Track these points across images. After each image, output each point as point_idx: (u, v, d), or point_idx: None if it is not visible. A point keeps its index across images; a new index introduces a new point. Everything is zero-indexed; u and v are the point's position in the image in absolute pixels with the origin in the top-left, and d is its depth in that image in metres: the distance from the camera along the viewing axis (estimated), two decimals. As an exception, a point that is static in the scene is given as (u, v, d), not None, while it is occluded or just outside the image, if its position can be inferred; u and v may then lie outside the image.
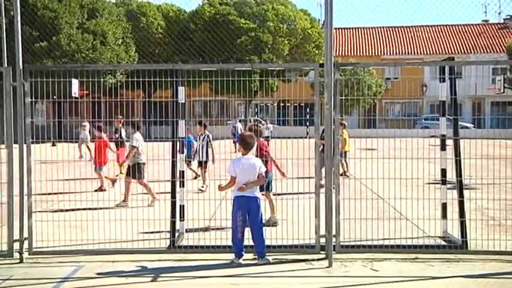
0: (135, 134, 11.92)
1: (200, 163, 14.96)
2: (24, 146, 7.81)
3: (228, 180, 7.64)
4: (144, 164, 11.93)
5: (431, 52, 51.62)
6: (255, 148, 8.31)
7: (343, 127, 17.94)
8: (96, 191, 13.61)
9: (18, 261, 7.56)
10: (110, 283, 6.79)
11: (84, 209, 10.45)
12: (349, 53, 52.38)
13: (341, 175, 16.72)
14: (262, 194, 8.36)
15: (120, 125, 16.76)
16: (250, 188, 7.48)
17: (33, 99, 8.04)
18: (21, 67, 7.77)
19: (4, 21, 9.61)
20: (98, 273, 7.05)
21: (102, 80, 26.43)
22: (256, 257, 7.57)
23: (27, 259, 7.60)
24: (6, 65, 7.99)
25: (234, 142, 25.48)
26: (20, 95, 7.76)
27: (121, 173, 16.29)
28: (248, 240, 7.64)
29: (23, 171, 7.78)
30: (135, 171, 11.53)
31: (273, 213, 9.88)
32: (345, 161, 17.28)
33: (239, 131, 26.52)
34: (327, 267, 7.29)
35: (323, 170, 8.12)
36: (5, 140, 7.86)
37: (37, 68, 9.31)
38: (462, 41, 54.68)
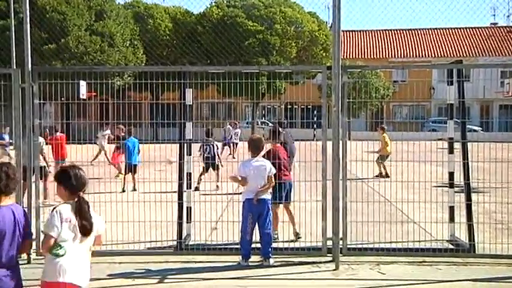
0: None
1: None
2: (32, 147, 7.85)
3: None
4: None
5: (440, 55, 51.44)
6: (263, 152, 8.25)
7: (383, 131, 17.99)
8: None
9: (26, 262, 7.59)
10: (117, 284, 6.81)
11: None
12: (357, 56, 52.26)
13: (383, 176, 16.69)
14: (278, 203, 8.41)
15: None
16: (263, 193, 7.52)
17: (42, 101, 8.09)
18: (30, 69, 7.82)
19: (13, 23, 9.59)
20: (104, 275, 7.07)
21: (109, 81, 26.50)
22: (262, 259, 7.58)
23: (35, 260, 7.63)
24: (15, 67, 8.01)
25: (225, 144, 25.17)
26: (29, 97, 7.80)
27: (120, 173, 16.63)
28: (255, 242, 7.65)
29: (31, 172, 7.82)
30: None
31: (293, 224, 9.16)
32: (383, 164, 17.33)
33: (233, 135, 26.18)
34: (334, 269, 7.28)
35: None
36: (14, 141, 7.90)
37: (46, 69, 9.37)
38: (470, 44, 54.43)
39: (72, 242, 4.10)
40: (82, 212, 4.12)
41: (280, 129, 9.26)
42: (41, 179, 11.93)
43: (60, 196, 4.28)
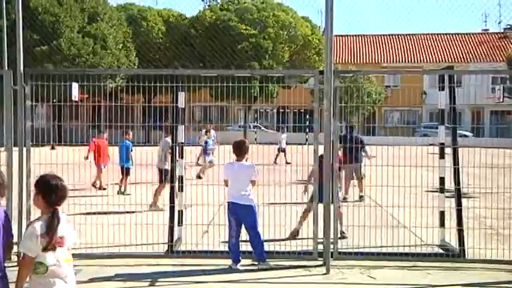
0: None
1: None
2: (24, 149, 7.83)
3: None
4: None
5: (431, 60, 51.67)
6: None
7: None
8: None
9: (16, 264, 7.55)
10: (108, 287, 6.80)
11: (82, 213, 10.46)
12: (349, 60, 52.41)
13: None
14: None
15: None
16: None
17: (34, 103, 8.07)
18: (22, 70, 7.80)
19: (5, 25, 9.62)
20: (96, 278, 7.05)
21: (102, 84, 26.43)
22: (255, 262, 7.58)
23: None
24: (7, 68, 8.01)
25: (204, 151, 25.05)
26: (21, 98, 7.78)
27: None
28: (246, 245, 7.65)
29: (22, 174, 7.79)
30: None
31: (341, 223, 9.09)
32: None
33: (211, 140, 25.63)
34: (325, 273, 7.30)
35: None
36: (5, 143, 7.87)
37: (38, 71, 9.34)
38: (462, 50, 54.75)
39: (50, 257, 4.02)
40: (51, 228, 3.98)
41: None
42: (160, 182, 12.27)
43: (37, 205, 4.14)
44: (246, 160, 7.91)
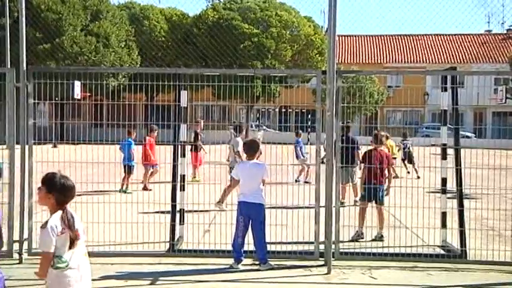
0: None
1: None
2: (26, 146, 7.83)
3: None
4: None
5: (434, 61, 51.62)
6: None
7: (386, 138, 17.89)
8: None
9: (17, 261, 7.57)
10: (109, 285, 6.80)
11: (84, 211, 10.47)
12: (352, 61, 52.36)
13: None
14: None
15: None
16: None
17: (36, 101, 8.07)
18: (24, 68, 7.80)
19: (8, 23, 9.56)
20: (97, 276, 7.05)
21: (104, 82, 26.43)
22: (256, 262, 7.58)
23: (27, 260, 7.61)
24: (9, 66, 8.01)
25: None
26: (23, 96, 7.79)
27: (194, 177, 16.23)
28: (248, 245, 7.65)
29: (24, 172, 7.80)
30: None
31: (381, 227, 9.32)
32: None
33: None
34: (326, 274, 7.30)
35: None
36: (7, 141, 7.88)
37: (41, 69, 9.34)
38: (465, 51, 54.68)
39: (70, 252, 4.06)
40: (70, 225, 4.03)
41: (382, 133, 9.72)
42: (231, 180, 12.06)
43: (45, 203, 4.13)
44: (257, 159, 7.94)
